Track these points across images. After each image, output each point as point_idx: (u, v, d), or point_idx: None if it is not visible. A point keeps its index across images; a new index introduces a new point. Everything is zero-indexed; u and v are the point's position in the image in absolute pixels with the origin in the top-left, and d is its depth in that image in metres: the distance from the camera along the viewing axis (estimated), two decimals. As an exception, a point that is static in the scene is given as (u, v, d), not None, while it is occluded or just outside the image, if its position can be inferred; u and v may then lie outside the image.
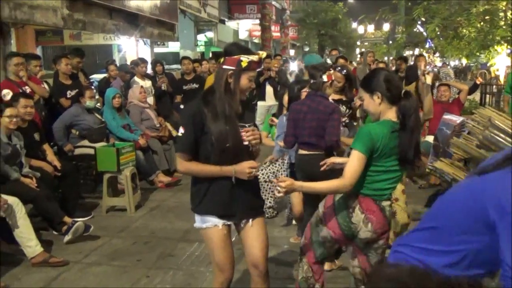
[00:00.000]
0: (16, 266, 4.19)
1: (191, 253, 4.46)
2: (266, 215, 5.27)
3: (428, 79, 5.71)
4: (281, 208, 5.38)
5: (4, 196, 4.10)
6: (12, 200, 4.15)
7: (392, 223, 2.66)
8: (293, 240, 4.65)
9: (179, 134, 2.58)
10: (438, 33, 10.72)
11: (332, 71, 4.09)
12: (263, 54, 2.67)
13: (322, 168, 3.03)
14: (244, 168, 2.54)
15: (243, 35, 24.14)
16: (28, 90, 5.60)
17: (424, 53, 13.61)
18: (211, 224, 2.66)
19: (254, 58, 2.54)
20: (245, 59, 2.52)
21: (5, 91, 5.40)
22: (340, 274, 3.89)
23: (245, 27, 24.25)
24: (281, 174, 5.00)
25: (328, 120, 3.76)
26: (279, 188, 2.53)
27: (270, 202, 5.26)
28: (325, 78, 3.90)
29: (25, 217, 4.18)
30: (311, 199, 4.00)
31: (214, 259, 2.73)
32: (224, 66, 2.57)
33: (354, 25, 34.88)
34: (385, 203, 2.67)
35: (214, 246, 2.69)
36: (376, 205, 2.64)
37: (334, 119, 3.78)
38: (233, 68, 2.53)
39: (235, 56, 2.53)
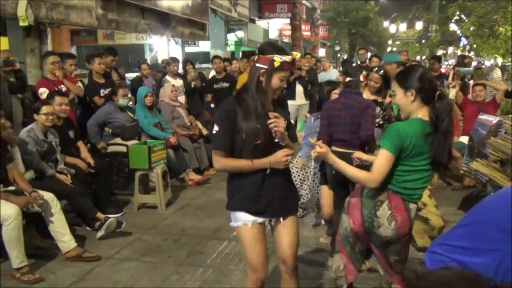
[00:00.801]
0: (51, 260, 4.29)
1: (221, 251, 4.48)
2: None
3: (452, 93, 5.59)
4: (310, 208, 5.35)
5: (40, 192, 4.20)
6: (48, 195, 4.25)
7: (426, 227, 2.60)
8: (323, 240, 4.62)
9: (214, 132, 2.60)
10: (473, 31, 10.48)
11: (367, 72, 4.08)
12: (297, 55, 2.68)
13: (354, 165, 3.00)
14: (279, 157, 2.56)
15: (273, 35, 24.09)
16: (63, 88, 5.72)
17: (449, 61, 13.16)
18: (242, 223, 2.67)
19: (287, 58, 2.55)
20: (278, 59, 2.52)
21: (42, 90, 5.54)
22: (371, 276, 3.84)
23: (276, 26, 24.20)
24: (308, 181, 4.97)
25: (363, 115, 3.75)
26: (315, 149, 2.57)
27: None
28: (361, 78, 3.90)
29: (60, 213, 4.28)
30: (341, 199, 3.96)
31: (246, 258, 2.74)
32: (257, 64, 2.58)
33: (386, 24, 34.42)
34: (412, 206, 2.61)
35: (246, 245, 2.69)
36: (404, 205, 2.60)
37: (368, 114, 3.78)
38: (266, 67, 2.54)
39: (269, 55, 2.55)
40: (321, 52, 29.82)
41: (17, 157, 4.50)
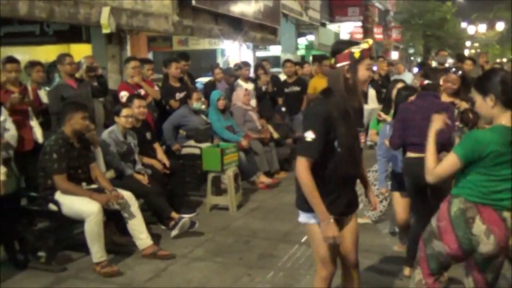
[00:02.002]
0: (129, 256, 4.46)
1: (292, 254, 4.47)
2: (372, 219, 5.14)
3: None
4: (385, 215, 5.21)
5: (120, 191, 4.39)
6: (127, 194, 4.43)
7: None
8: (397, 248, 4.48)
9: (308, 138, 2.53)
10: None
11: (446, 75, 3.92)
12: (370, 40, 2.67)
13: None
14: (328, 232, 2.59)
15: (344, 38, 23.81)
16: (142, 92, 5.96)
17: None
18: (316, 221, 2.67)
19: (364, 45, 2.56)
20: (356, 50, 2.53)
21: (122, 93, 5.81)
22: (450, 287, 3.66)
23: (347, 29, 23.91)
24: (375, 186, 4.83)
25: None
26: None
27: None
28: (440, 81, 3.75)
29: (137, 211, 4.45)
30: (418, 206, 3.83)
31: (319, 254, 2.75)
32: (338, 65, 2.57)
33: (463, 25, 32.98)
34: (507, 214, 2.46)
35: (320, 241, 2.68)
36: (498, 216, 2.45)
37: (447, 118, 3.60)
38: (348, 62, 2.54)
39: (346, 51, 2.55)
40: (394, 55, 29.06)
41: (99, 157, 4.74)
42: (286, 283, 3.91)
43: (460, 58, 8.49)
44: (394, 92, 4.48)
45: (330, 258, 2.72)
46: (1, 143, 4.17)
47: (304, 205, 2.68)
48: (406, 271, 3.87)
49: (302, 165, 2.57)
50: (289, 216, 5.58)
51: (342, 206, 2.70)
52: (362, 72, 2.56)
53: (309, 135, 2.53)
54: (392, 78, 9.81)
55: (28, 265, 4.23)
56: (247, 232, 5.12)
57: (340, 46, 2.60)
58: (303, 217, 2.76)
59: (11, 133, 4.38)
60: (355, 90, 2.58)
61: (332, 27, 22.22)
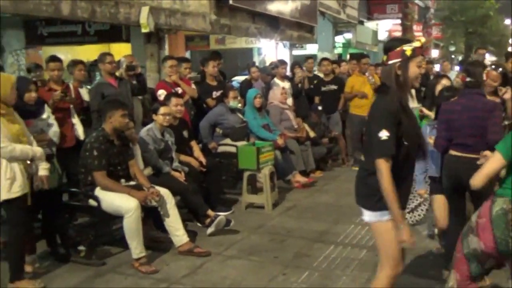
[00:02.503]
0: (165, 252, 4.53)
1: (328, 254, 4.43)
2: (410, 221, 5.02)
3: None
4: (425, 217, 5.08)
5: (157, 188, 4.45)
6: (164, 191, 4.49)
7: None
8: (436, 251, 4.37)
9: (384, 137, 2.54)
10: None
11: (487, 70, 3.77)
12: (423, 39, 2.78)
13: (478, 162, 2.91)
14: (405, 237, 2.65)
15: (382, 36, 23.40)
16: (179, 90, 6.03)
17: None
18: (388, 218, 2.66)
19: (416, 44, 2.62)
20: (408, 48, 2.59)
21: (160, 92, 5.90)
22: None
23: (385, 27, 23.50)
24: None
25: (488, 118, 3.46)
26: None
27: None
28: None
29: (174, 208, 4.50)
30: (456, 207, 3.73)
31: (389, 253, 2.73)
32: (390, 62, 2.63)
33: (507, 21, 31.89)
34: None
35: (391, 240, 2.69)
36: None
37: (495, 117, 3.48)
38: (399, 59, 2.60)
39: (398, 49, 2.61)
40: (434, 53, 28.40)
41: (137, 154, 4.82)
42: (322, 284, 3.87)
43: (508, 56, 8.20)
44: (438, 88, 4.35)
45: (400, 258, 2.74)
46: (44, 140, 4.30)
47: (375, 204, 2.67)
48: (445, 274, 3.77)
49: (385, 167, 2.56)
50: (324, 216, 5.56)
51: (402, 200, 2.72)
52: (413, 69, 2.63)
53: (384, 134, 2.54)
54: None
55: (69, 259, 4.35)
56: (282, 231, 5.11)
57: (393, 44, 2.68)
58: (371, 216, 2.73)
59: (53, 130, 4.52)
60: (405, 87, 2.64)
61: (370, 25, 21.87)
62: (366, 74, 8.02)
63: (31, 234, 4.21)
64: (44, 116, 4.46)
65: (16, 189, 3.65)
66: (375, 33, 22.58)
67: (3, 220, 3.95)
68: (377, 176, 2.58)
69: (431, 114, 4.47)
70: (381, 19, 21.62)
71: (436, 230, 4.60)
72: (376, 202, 2.64)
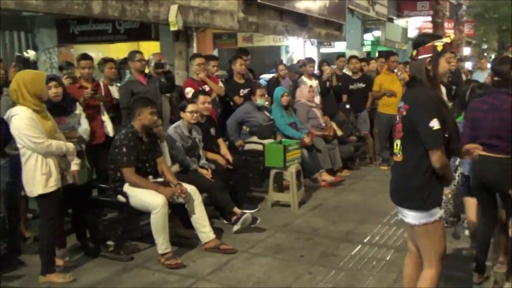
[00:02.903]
0: (192, 249, 4.57)
1: (354, 254, 4.39)
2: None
3: None
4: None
5: (184, 185, 4.50)
6: (191, 188, 4.53)
7: None
8: (466, 253, 4.29)
9: (436, 127, 2.56)
10: None
11: None
12: (452, 35, 2.86)
13: None
14: None
15: (412, 33, 23.02)
16: (207, 88, 6.06)
17: None
18: (438, 216, 2.71)
19: (447, 40, 2.67)
20: (439, 43, 2.64)
21: (188, 89, 5.94)
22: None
23: (415, 24, 23.11)
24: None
25: None
26: None
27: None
28: None
29: (201, 205, 4.54)
30: (485, 207, 3.64)
31: (438, 251, 2.78)
32: (420, 57, 2.67)
33: (544, 18, 30.92)
34: None
35: (441, 239, 2.77)
36: None
37: None
38: (430, 55, 2.65)
39: (429, 44, 2.65)
40: (466, 51, 27.81)
41: (165, 151, 4.88)
42: (348, 284, 3.84)
43: None
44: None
45: (445, 254, 2.82)
46: (75, 136, 4.40)
47: (423, 202, 2.67)
48: (475, 277, 3.70)
49: (441, 157, 2.59)
50: (351, 215, 5.51)
51: (440, 197, 2.79)
52: (443, 65, 2.68)
53: (435, 124, 2.56)
54: (474, 74, 9.36)
55: (98, 253, 4.43)
56: (308, 230, 5.09)
57: (424, 39, 2.73)
58: (419, 217, 2.71)
59: (84, 127, 4.61)
60: (435, 82, 2.67)
61: (400, 22, 21.53)
62: (395, 70, 7.91)
63: (62, 229, 4.31)
64: (76, 113, 4.56)
65: (52, 184, 3.75)
66: (404, 30, 22.23)
67: (36, 215, 4.06)
68: (435, 167, 2.59)
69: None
70: (411, 16, 21.27)
71: (467, 232, 4.52)
72: (425, 201, 2.65)
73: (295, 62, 10.65)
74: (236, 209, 4.96)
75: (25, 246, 4.57)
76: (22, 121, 3.63)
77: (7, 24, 9.92)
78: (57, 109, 4.30)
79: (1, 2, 5.14)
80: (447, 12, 22.06)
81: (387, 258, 4.30)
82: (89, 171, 4.61)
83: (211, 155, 5.44)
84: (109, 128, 5.25)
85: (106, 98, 5.39)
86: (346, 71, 8.80)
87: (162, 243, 4.17)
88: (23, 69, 4.63)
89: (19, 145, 3.71)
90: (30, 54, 7.19)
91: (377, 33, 18.89)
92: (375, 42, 18.85)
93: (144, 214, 4.34)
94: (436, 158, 2.58)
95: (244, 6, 8.82)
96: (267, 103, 6.68)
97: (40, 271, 3.90)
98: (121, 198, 4.38)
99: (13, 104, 3.77)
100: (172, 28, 7.40)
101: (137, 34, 9.98)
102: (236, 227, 4.89)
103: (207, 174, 5.03)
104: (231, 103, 6.75)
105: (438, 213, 2.72)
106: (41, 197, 3.76)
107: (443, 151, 2.59)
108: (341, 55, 9.13)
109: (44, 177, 3.71)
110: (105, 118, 5.26)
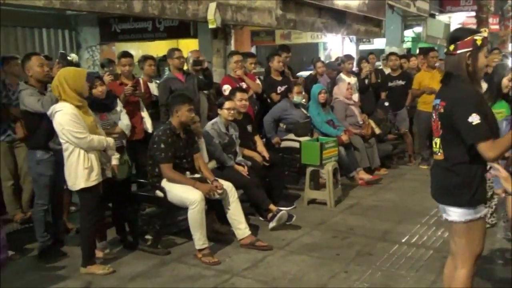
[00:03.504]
0: (227, 245, 4.60)
1: (391, 254, 4.33)
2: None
3: None
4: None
5: (221, 181, 4.53)
6: (227, 185, 4.56)
7: None
8: (510, 255, 4.14)
9: (476, 121, 2.50)
10: None
11: None
12: (486, 29, 2.70)
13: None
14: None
15: (463, 27, 22.46)
16: (244, 85, 6.08)
17: None
18: (483, 214, 2.68)
19: (484, 34, 2.67)
20: (478, 37, 2.60)
21: (225, 86, 5.98)
22: None
23: (458, 20, 22.49)
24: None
25: None
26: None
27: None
28: None
29: (237, 201, 4.56)
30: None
31: (475, 250, 2.74)
32: (458, 51, 2.62)
33: None
34: None
35: (481, 237, 2.73)
36: None
37: None
38: (470, 49, 2.60)
39: (468, 38, 2.60)
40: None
41: (202, 148, 4.92)
42: (385, 284, 3.79)
43: None
44: (505, 82, 4.12)
45: (480, 254, 2.78)
46: (116, 132, 4.50)
47: (468, 199, 2.63)
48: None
49: (491, 147, 2.49)
50: (388, 214, 5.43)
51: (484, 194, 2.73)
52: (482, 60, 2.63)
53: (475, 119, 2.49)
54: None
55: (136, 247, 4.53)
56: (344, 229, 5.05)
57: (462, 33, 2.67)
58: (463, 214, 2.67)
59: (125, 123, 4.71)
60: (475, 77, 2.62)
61: (442, 18, 21.00)
62: (437, 64, 7.69)
63: (103, 222, 4.42)
64: (117, 109, 4.66)
65: (93, 178, 3.86)
66: (447, 26, 21.65)
67: (78, 208, 4.18)
68: (489, 159, 2.53)
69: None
70: (454, 11, 20.69)
71: (510, 234, 4.37)
72: (471, 197, 2.60)
73: (333, 59, 10.56)
74: (272, 206, 4.96)
75: (67, 238, 4.73)
76: (65, 116, 3.75)
77: (52, 22, 10.27)
78: (100, 105, 4.42)
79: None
80: (491, 7, 21.36)
81: (426, 259, 4.21)
82: (129, 167, 4.71)
83: (247, 152, 5.46)
84: (148, 124, 5.35)
85: (145, 94, 5.49)
86: (383, 68, 8.65)
87: (199, 239, 4.22)
88: (66, 66, 4.77)
89: (62, 140, 3.83)
90: (73, 57, 7.44)
91: (418, 29, 18.48)
92: (416, 39, 18.44)
93: (181, 210, 4.40)
94: (484, 149, 2.48)
95: (282, 3, 8.81)
96: (304, 100, 6.65)
97: (81, 263, 4.02)
98: (159, 193, 4.45)
99: (57, 100, 3.89)
100: (211, 26, 7.47)
101: (176, 32, 10.12)
102: (271, 224, 4.89)
103: (244, 171, 5.05)
104: (268, 100, 6.75)
105: (483, 210, 2.67)
106: (82, 191, 3.88)
107: (491, 141, 2.48)
108: (371, 52, 8.97)
109: (86, 171, 3.82)
110: (145, 114, 5.37)
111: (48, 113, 3.88)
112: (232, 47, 8.20)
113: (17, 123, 4.93)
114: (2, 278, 3.76)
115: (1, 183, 5.13)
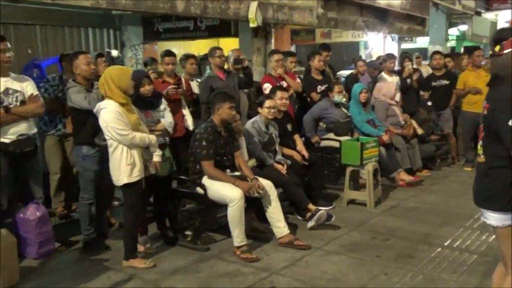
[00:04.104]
0: (266, 243, 4.62)
1: (433, 257, 4.24)
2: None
3: None
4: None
5: (260, 179, 4.55)
6: (266, 183, 4.57)
7: None
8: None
9: None
10: None
11: None
12: None
13: None
14: None
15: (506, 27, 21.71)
16: (284, 84, 6.08)
17: None
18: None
19: None
20: None
21: (265, 85, 6.00)
22: None
23: (505, 18, 21.71)
24: None
25: None
26: None
27: None
28: None
29: (276, 200, 4.57)
30: None
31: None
32: (505, 51, 2.54)
33: None
34: None
35: None
36: None
37: None
38: None
39: None
40: None
41: (242, 146, 4.95)
42: (426, 287, 3.71)
43: None
44: None
45: None
46: (161, 129, 4.59)
47: (506, 203, 2.56)
48: None
49: None
50: (430, 217, 5.31)
51: None
52: None
53: None
54: None
55: (176, 242, 4.61)
56: (384, 230, 4.97)
57: (506, 33, 2.60)
58: (502, 219, 2.61)
59: (168, 121, 4.79)
60: None
61: (489, 15, 20.36)
62: (483, 63, 7.46)
63: (144, 217, 4.52)
64: (161, 107, 4.75)
65: (136, 174, 3.95)
66: (494, 24, 20.96)
67: (121, 203, 4.29)
68: None
69: None
70: (502, 9, 19.99)
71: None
72: (507, 202, 2.52)
73: (374, 58, 10.41)
74: (311, 206, 4.94)
75: (111, 232, 4.85)
76: (110, 114, 3.85)
77: (98, 22, 10.58)
78: (145, 103, 4.52)
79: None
80: (542, 4, 20.51)
81: (469, 263, 4.10)
82: (171, 163, 4.79)
83: (287, 151, 5.45)
84: (189, 122, 5.42)
85: (187, 92, 5.57)
86: (420, 68, 8.45)
87: (238, 236, 4.26)
88: (111, 64, 4.89)
89: (106, 137, 3.94)
90: (114, 53, 7.66)
91: (463, 27, 17.99)
92: (461, 37, 17.97)
93: (221, 207, 4.44)
94: None
95: (323, 2, 8.75)
96: (344, 99, 6.60)
97: (124, 256, 4.13)
98: (199, 190, 4.51)
99: (103, 98, 4.00)
100: (252, 25, 7.50)
101: (217, 31, 10.22)
102: (310, 224, 4.88)
103: (283, 169, 5.05)
104: (308, 99, 6.73)
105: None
106: (125, 186, 3.98)
107: None
108: (405, 56, 8.77)
109: (129, 167, 3.92)
110: (186, 112, 5.44)
111: (94, 110, 3.99)
112: (273, 46, 8.21)
113: (68, 118, 5.08)
114: (49, 269, 3.91)
115: (49, 176, 5.31)
